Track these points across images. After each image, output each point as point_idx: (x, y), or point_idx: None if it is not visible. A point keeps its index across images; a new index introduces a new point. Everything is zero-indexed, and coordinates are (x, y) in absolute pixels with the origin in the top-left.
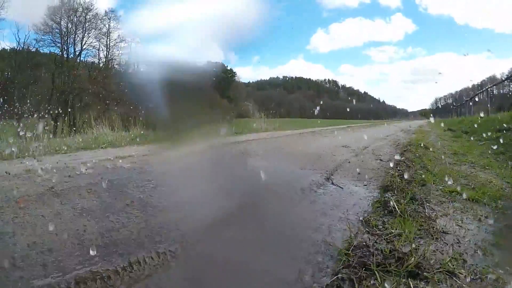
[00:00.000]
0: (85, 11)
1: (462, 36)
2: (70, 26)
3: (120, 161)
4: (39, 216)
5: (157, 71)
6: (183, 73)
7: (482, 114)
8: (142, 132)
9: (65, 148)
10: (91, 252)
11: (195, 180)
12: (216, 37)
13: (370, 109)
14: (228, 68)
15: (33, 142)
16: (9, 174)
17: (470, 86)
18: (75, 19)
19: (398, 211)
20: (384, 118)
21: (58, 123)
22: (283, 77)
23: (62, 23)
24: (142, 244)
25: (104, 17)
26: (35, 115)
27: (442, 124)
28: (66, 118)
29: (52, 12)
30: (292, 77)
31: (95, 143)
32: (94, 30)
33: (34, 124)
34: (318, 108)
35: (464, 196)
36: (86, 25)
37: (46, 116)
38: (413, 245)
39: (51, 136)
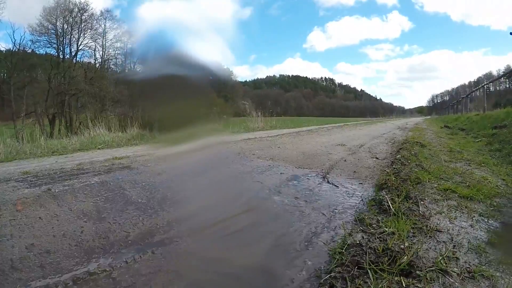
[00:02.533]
0: (81, 12)
1: (458, 33)
2: (66, 26)
3: (117, 161)
4: (36, 218)
5: (154, 65)
6: (181, 66)
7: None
8: (138, 132)
9: (62, 149)
10: (89, 253)
11: (190, 180)
12: (212, 36)
13: (367, 107)
14: (225, 67)
15: (30, 144)
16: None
17: (467, 83)
18: (71, 19)
19: (392, 210)
20: (381, 115)
21: (54, 124)
22: (280, 75)
23: (57, 24)
24: (138, 244)
25: (99, 18)
26: (32, 117)
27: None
28: (62, 119)
29: (47, 13)
30: (289, 76)
31: (92, 144)
32: (90, 30)
33: (31, 126)
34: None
35: (459, 194)
36: (82, 26)
37: (43, 117)
38: (406, 244)
39: (47, 137)
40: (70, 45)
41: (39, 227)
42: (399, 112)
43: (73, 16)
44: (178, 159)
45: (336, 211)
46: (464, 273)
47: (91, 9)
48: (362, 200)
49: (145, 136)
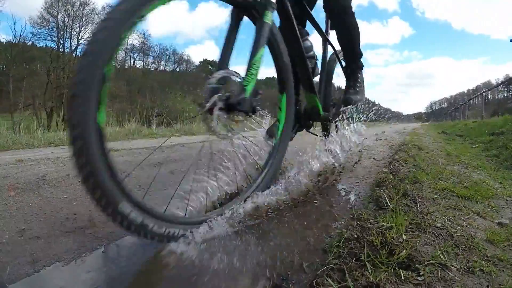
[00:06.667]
0: (83, 6)
1: (458, 41)
2: (67, 20)
3: (114, 153)
4: (28, 204)
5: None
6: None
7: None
8: (136, 127)
9: (59, 141)
10: (81, 240)
11: (187, 170)
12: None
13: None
14: None
15: (27, 135)
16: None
17: (465, 91)
18: (72, 13)
19: (390, 206)
20: (379, 120)
21: (52, 117)
22: None
23: (59, 17)
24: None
25: (101, 12)
26: (29, 109)
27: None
28: (60, 112)
29: (49, 6)
30: None
31: None
32: (91, 24)
33: (28, 118)
34: None
35: (456, 193)
36: (83, 20)
37: (41, 110)
38: (405, 237)
39: (45, 129)
40: (71, 38)
41: (31, 213)
42: (397, 117)
43: (74, 9)
44: (175, 152)
45: (333, 207)
46: (463, 267)
47: (93, 3)
48: (359, 197)
49: (142, 131)
